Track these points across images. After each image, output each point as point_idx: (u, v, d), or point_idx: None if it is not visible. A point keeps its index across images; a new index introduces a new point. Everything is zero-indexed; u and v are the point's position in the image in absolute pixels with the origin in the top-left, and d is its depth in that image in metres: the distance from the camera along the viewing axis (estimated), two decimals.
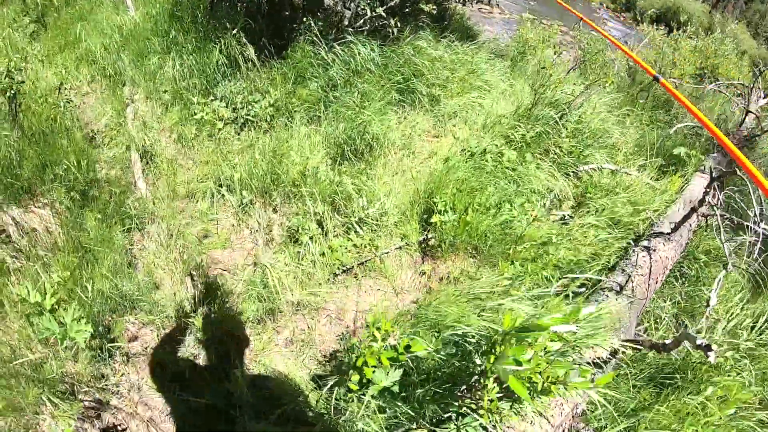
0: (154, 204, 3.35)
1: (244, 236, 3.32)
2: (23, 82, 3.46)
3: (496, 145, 3.74)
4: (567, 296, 2.53)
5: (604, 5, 22.05)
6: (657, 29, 11.13)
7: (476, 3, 6.09)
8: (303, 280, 2.87)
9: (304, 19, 4.43)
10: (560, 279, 2.76)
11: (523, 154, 3.70)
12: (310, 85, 4.22)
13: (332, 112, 4.05)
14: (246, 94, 4.08)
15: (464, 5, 5.66)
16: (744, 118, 5.21)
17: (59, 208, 3.10)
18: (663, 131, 4.79)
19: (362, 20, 4.51)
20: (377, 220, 3.14)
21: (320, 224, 3.11)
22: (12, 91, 3.32)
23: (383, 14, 4.34)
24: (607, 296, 2.61)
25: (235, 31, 4.25)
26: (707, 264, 3.60)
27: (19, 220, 2.95)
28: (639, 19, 22.28)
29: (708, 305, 2.83)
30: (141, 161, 3.69)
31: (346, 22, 4.56)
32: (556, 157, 3.75)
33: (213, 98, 4.08)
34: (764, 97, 6.72)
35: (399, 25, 4.45)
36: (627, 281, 2.78)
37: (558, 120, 3.84)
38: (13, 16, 5.01)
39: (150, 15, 4.86)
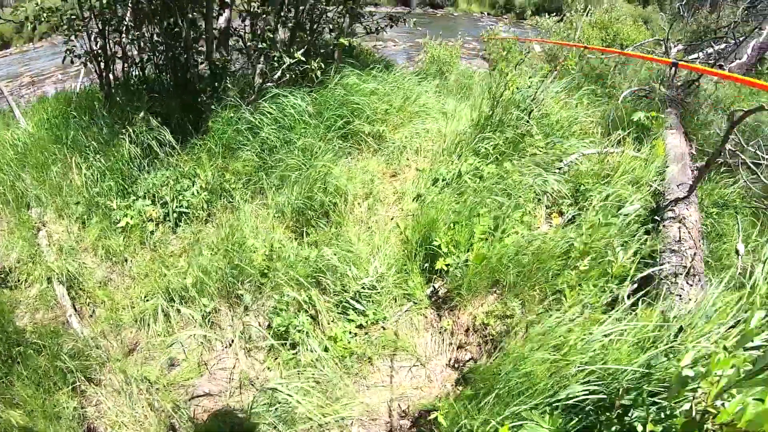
0: (97, 346, 2.65)
1: (219, 354, 2.66)
2: None
3: (471, 164, 3.34)
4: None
5: (485, 13, 22.97)
6: (548, 18, 11.53)
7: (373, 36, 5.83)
8: (314, 391, 2.25)
9: (215, 84, 3.91)
10: (620, 283, 2.31)
11: (501, 164, 3.32)
12: (242, 155, 3.68)
13: (276, 178, 3.51)
14: (172, 183, 3.46)
15: (373, 33, 5.38)
16: (675, 71, 5.20)
17: None
18: (611, 104, 4.65)
19: (280, 71, 4.06)
20: (375, 288, 2.60)
21: (310, 314, 2.51)
22: None
23: (303, 58, 3.91)
24: (683, 287, 2.18)
25: (142, 115, 3.65)
26: (720, 215, 3.36)
27: None
28: (522, 16, 23.60)
29: (738, 254, 2.56)
30: (68, 294, 3.00)
31: (260, 80, 4.09)
32: (535, 157, 3.39)
33: (135, 198, 3.43)
34: (676, 47, 6.95)
35: (323, 66, 4.04)
36: (685, 260, 2.39)
37: (528, 117, 3.51)
38: None
39: (43, 121, 4.18)
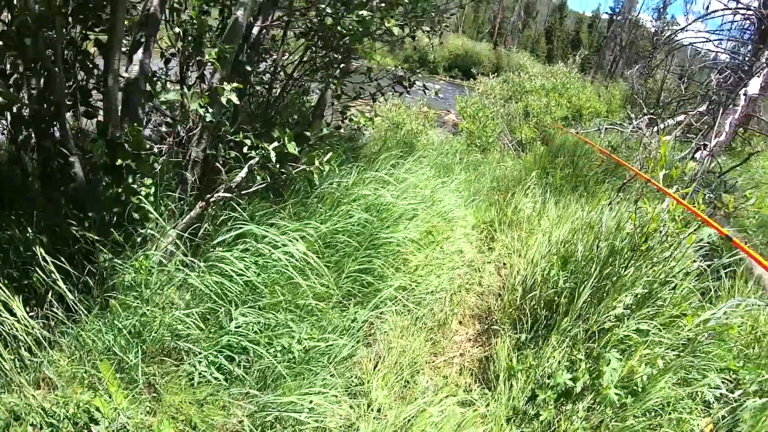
0: None
1: None
2: None
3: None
4: None
5: (399, 67, 22.80)
6: (491, 78, 10.64)
7: None
8: None
9: (116, 192, 1.91)
10: None
11: None
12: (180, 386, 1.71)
13: None
14: None
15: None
16: None
17: None
18: None
19: (246, 170, 2.15)
20: None
21: None
22: None
23: (296, 152, 2.05)
24: None
25: None
26: None
27: None
28: (434, 71, 23.83)
29: None
30: None
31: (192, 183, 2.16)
32: None
33: None
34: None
35: (330, 165, 2.20)
36: None
37: None
38: None
39: None
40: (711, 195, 4.36)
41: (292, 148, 1.90)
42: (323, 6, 2.64)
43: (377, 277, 2.22)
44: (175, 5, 2.54)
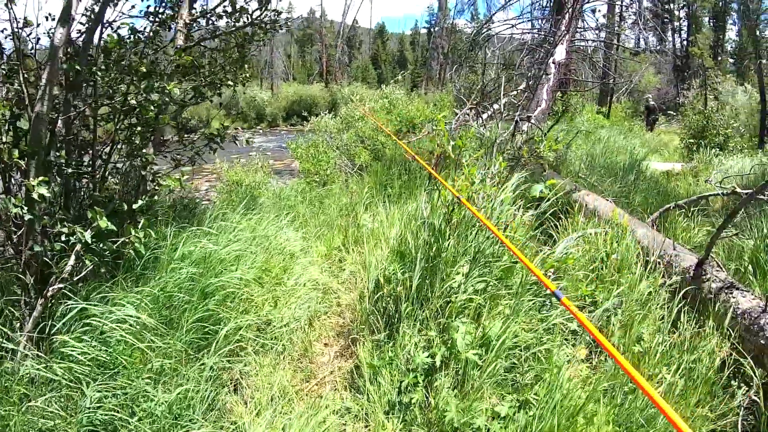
0: None
1: None
2: None
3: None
4: None
5: (239, 128, 23.11)
6: (324, 117, 11.28)
7: None
8: None
9: None
10: None
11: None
12: None
13: None
14: None
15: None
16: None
17: None
18: None
19: (73, 257, 2.23)
20: None
21: None
22: None
23: (113, 227, 2.19)
24: None
25: None
26: None
27: None
28: (273, 124, 24.14)
29: None
30: None
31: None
32: None
33: None
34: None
35: (150, 234, 2.35)
36: None
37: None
38: None
39: None
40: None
41: (104, 224, 2.05)
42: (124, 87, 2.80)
43: (217, 321, 2.38)
44: None
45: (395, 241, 3.24)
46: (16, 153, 2.31)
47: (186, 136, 3.32)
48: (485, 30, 11.75)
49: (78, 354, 1.92)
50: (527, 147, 4.86)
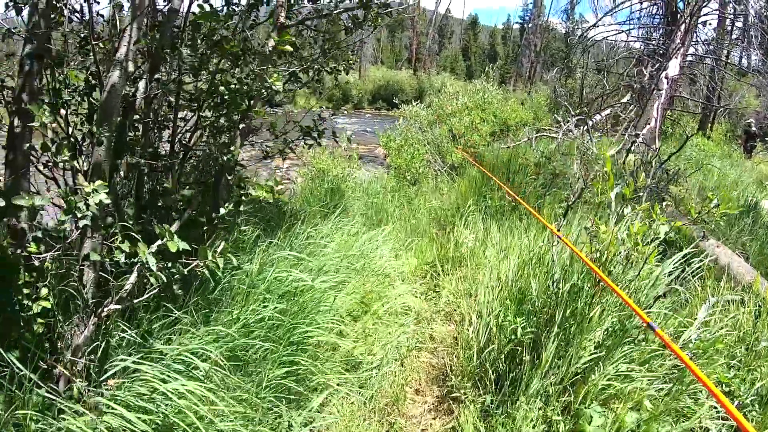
0: None
1: None
2: None
3: None
4: None
5: (324, 107, 23.41)
6: (414, 106, 10.52)
7: None
8: None
9: None
10: None
11: None
12: None
13: None
14: None
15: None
16: None
17: None
18: None
19: (134, 276, 1.79)
20: None
21: None
22: None
23: (187, 247, 1.71)
24: None
25: None
26: None
27: None
28: (358, 106, 24.21)
29: None
30: None
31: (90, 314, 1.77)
32: None
33: None
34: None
35: (229, 258, 1.85)
36: None
37: None
38: None
39: None
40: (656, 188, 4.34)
41: (174, 246, 1.59)
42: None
43: (301, 380, 1.88)
44: None
45: (512, 280, 2.62)
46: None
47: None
48: (588, 33, 10.71)
49: (128, 412, 1.47)
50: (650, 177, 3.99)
